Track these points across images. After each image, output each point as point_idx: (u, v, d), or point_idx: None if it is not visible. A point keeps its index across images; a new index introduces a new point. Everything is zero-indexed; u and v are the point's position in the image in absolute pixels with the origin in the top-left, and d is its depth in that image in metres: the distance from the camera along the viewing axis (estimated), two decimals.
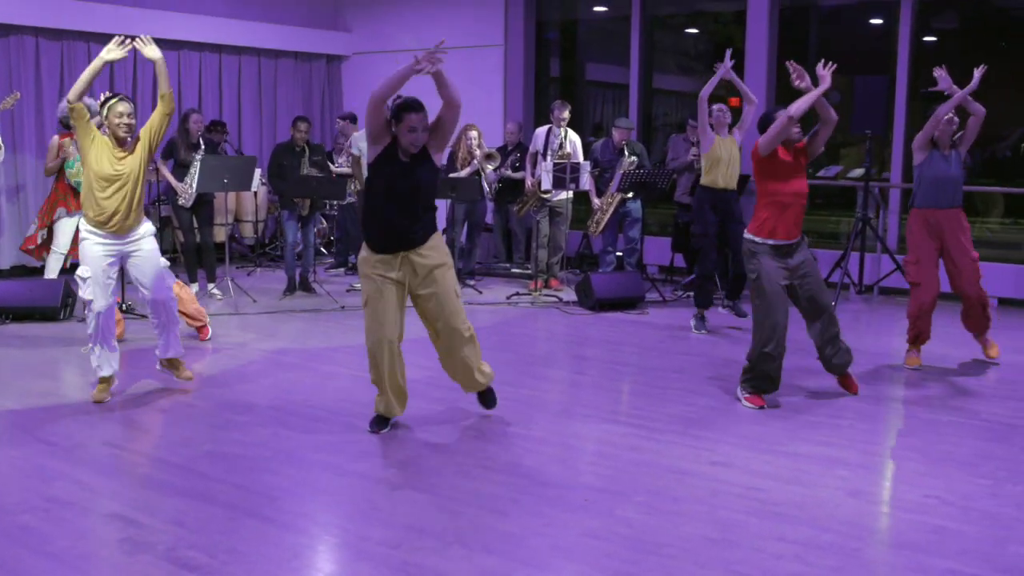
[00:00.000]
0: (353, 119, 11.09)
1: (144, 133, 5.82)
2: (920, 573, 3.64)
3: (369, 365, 5.23)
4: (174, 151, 9.13)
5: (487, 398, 5.67)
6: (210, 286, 9.34)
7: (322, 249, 12.02)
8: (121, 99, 5.83)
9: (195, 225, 9.24)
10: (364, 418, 5.52)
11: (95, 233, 5.71)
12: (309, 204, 9.50)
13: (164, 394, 6.01)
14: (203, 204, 9.21)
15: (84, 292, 5.70)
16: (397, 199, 5.05)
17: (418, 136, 5.01)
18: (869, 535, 4.02)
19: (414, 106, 5.01)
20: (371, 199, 5.11)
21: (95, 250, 5.70)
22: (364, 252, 5.14)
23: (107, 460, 4.85)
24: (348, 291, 9.72)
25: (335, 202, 10.84)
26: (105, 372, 5.83)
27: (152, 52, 5.90)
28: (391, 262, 5.08)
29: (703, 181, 8.20)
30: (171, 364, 6.16)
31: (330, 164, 10.86)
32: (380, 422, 5.32)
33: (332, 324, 8.27)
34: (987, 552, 3.83)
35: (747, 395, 5.88)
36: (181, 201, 9.10)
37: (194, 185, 8.89)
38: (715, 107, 8.21)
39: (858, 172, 10.09)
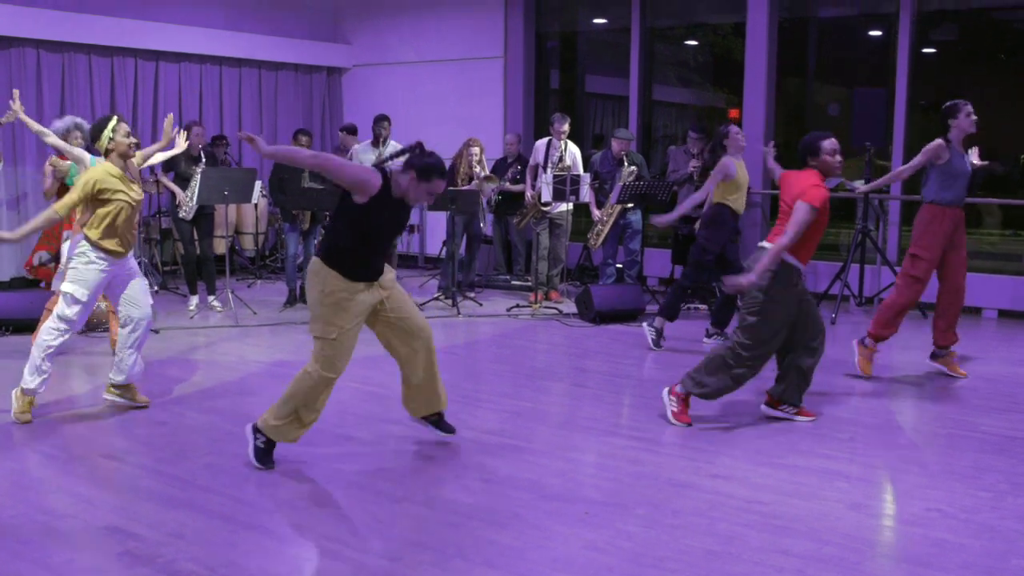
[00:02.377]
0: (353, 131, 11.11)
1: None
2: None
3: (305, 394, 4.83)
4: (175, 163, 9.14)
5: (444, 424, 5.38)
6: (210, 298, 9.34)
7: None
8: (121, 118, 5.81)
9: (195, 237, 9.25)
10: (365, 430, 5.52)
11: (105, 260, 5.69)
12: (310, 217, 9.51)
13: (163, 407, 6.00)
14: (203, 216, 9.22)
15: (70, 311, 5.63)
16: (388, 236, 4.93)
17: (432, 199, 4.90)
18: (870, 548, 4.02)
19: (444, 173, 4.80)
20: (357, 236, 4.76)
21: (99, 277, 5.68)
22: (338, 282, 4.75)
23: (106, 472, 4.85)
24: None
25: None
26: (42, 389, 5.74)
27: None
28: (366, 289, 4.85)
29: (727, 201, 7.91)
30: (127, 389, 5.99)
31: None
32: (269, 455, 4.94)
33: None
34: (989, 565, 3.83)
35: (800, 408, 5.87)
36: (182, 213, 9.11)
37: (195, 197, 8.90)
38: (732, 129, 7.89)
39: (858, 184, 10.09)
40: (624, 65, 11.76)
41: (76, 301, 5.62)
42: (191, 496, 4.49)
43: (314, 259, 4.83)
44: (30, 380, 5.64)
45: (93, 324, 8.09)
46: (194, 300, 9.18)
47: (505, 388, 6.60)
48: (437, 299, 9.85)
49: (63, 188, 8.41)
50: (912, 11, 10.00)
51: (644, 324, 8.06)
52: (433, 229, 12.71)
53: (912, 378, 7.06)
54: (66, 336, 5.69)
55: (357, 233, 4.74)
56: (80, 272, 5.65)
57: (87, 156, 7.90)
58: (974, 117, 6.70)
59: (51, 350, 5.67)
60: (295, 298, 9.62)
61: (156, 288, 10.31)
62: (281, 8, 12.92)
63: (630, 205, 9.58)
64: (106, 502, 4.41)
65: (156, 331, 8.14)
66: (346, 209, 4.76)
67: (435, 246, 12.54)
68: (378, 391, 6.46)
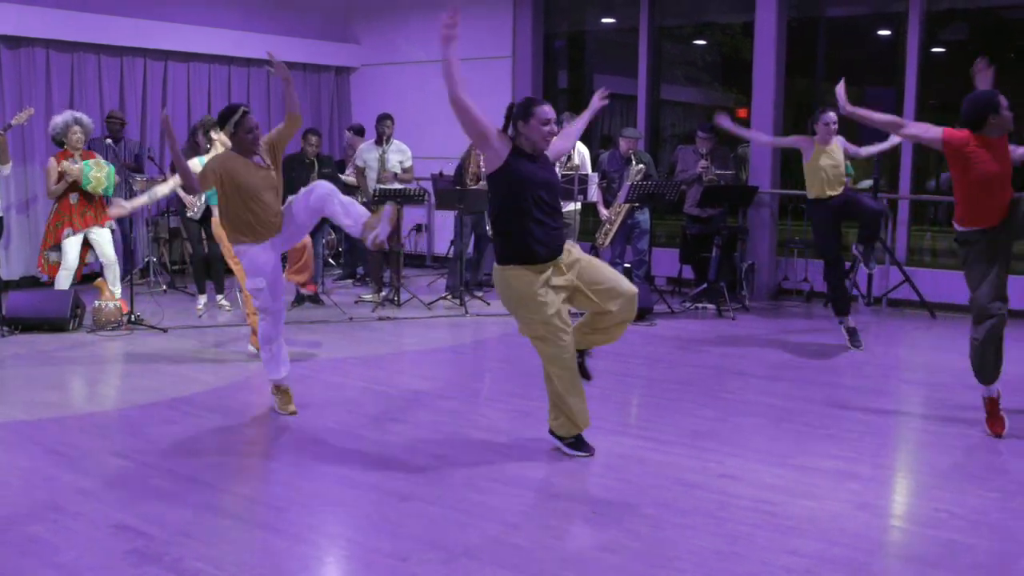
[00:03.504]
0: (360, 131, 11.11)
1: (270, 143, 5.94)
2: None
3: (564, 388, 4.98)
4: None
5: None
6: (218, 297, 9.36)
7: (330, 260, 12.04)
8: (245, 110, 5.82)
9: (204, 237, 9.26)
10: (373, 430, 5.52)
11: (257, 244, 5.72)
12: None
13: (172, 405, 6.01)
14: (212, 216, 9.24)
15: (258, 301, 5.79)
16: (548, 194, 4.84)
17: (553, 129, 4.82)
18: (879, 549, 4.01)
19: (539, 101, 4.83)
20: (512, 202, 4.77)
21: (264, 256, 5.70)
22: (520, 271, 4.80)
23: (115, 471, 4.85)
24: (356, 303, 9.74)
25: None
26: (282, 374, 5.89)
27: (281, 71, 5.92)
28: (553, 271, 4.82)
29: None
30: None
31: (340, 175, 10.89)
32: (581, 442, 5.09)
33: (340, 335, 8.27)
34: (997, 566, 3.81)
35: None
36: (190, 213, 9.13)
37: (203, 197, 8.91)
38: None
39: (867, 184, 10.07)
40: (632, 64, 11.75)
41: (259, 289, 5.72)
42: (200, 495, 4.49)
43: (494, 268, 4.96)
44: (270, 372, 5.90)
45: (102, 323, 8.11)
46: (203, 299, 9.19)
47: (513, 387, 6.60)
48: (445, 298, 9.86)
49: (64, 193, 8.43)
50: (921, 10, 9.97)
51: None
52: (441, 228, 12.71)
53: (923, 379, 7.04)
54: (268, 322, 5.81)
55: (512, 199, 4.78)
56: (250, 260, 5.74)
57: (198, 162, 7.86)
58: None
59: (265, 339, 5.85)
60: (302, 297, 9.62)
61: (164, 288, 10.34)
62: (291, 8, 12.93)
63: (637, 204, 9.57)
64: (114, 500, 4.42)
65: (164, 330, 8.16)
66: (494, 187, 4.87)
67: (443, 245, 12.54)
68: (385, 391, 6.46)
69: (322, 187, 5.68)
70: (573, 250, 4.94)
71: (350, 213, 5.63)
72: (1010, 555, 3.93)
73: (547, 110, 4.77)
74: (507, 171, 4.79)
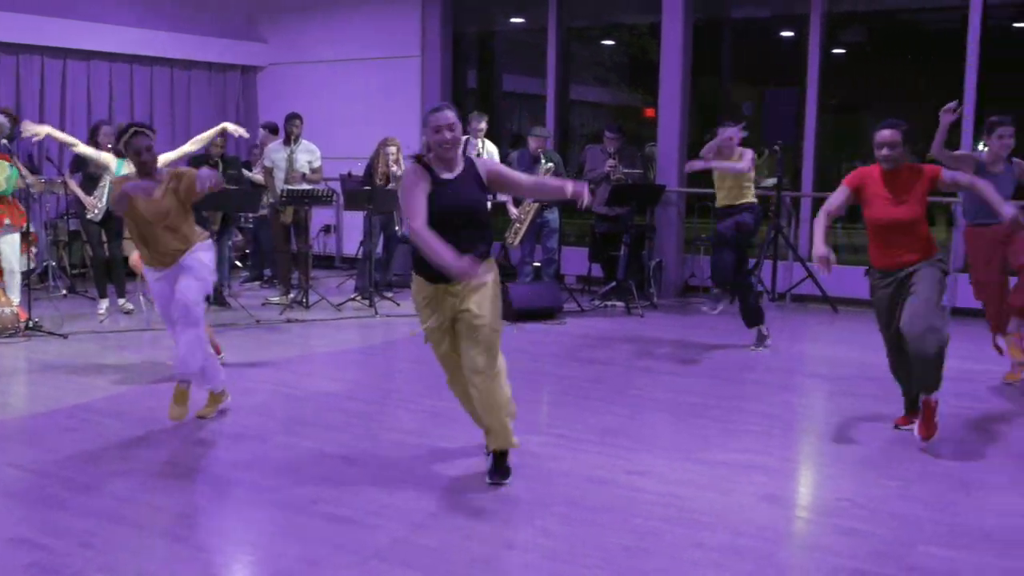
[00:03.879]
0: (274, 129, 10.96)
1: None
2: (832, 575, 3.70)
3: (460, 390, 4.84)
4: (83, 164, 8.91)
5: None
6: (120, 301, 9.14)
7: (237, 263, 11.84)
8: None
9: (104, 239, 9.03)
10: (281, 433, 5.45)
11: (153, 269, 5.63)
12: (221, 218, 9.35)
13: (72, 413, 5.85)
14: (113, 218, 8.99)
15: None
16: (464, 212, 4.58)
17: (445, 137, 4.49)
18: (784, 539, 4.08)
19: (439, 107, 4.57)
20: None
21: (156, 287, 5.64)
22: (418, 280, 4.63)
23: (11, 482, 4.69)
24: (264, 305, 9.60)
25: (250, 215, 10.69)
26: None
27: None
28: (442, 294, 4.58)
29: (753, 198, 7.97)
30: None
31: (246, 172, 10.74)
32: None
33: (248, 339, 8.14)
34: (896, 552, 3.92)
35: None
36: (90, 215, 8.89)
37: (104, 199, 8.69)
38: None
39: (770, 182, 10.27)
40: (541, 64, 11.81)
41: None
42: (101, 504, 4.37)
43: None
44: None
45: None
46: (104, 303, 8.96)
47: (424, 388, 6.57)
48: (354, 299, 9.78)
49: None
50: (822, 12, 10.21)
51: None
52: (350, 229, 12.61)
53: (826, 372, 7.20)
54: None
55: (429, 215, 4.45)
56: None
57: (113, 161, 7.57)
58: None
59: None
60: (209, 300, 9.45)
61: (64, 292, 10.06)
62: (193, 7, 12.69)
63: (547, 204, 9.62)
64: (11, 513, 4.28)
65: (64, 336, 7.94)
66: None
67: (352, 246, 12.44)
68: (294, 393, 6.38)
69: (190, 307, 5.44)
70: (472, 306, 4.51)
71: (189, 353, 5.48)
72: (909, 541, 4.03)
73: (440, 116, 4.48)
74: (429, 197, 4.52)
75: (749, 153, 7.85)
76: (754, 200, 7.94)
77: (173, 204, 5.49)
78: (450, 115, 4.49)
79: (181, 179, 5.51)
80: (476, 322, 4.51)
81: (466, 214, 4.51)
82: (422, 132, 4.78)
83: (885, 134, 5.21)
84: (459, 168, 4.57)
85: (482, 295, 4.52)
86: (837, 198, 5.36)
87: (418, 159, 4.58)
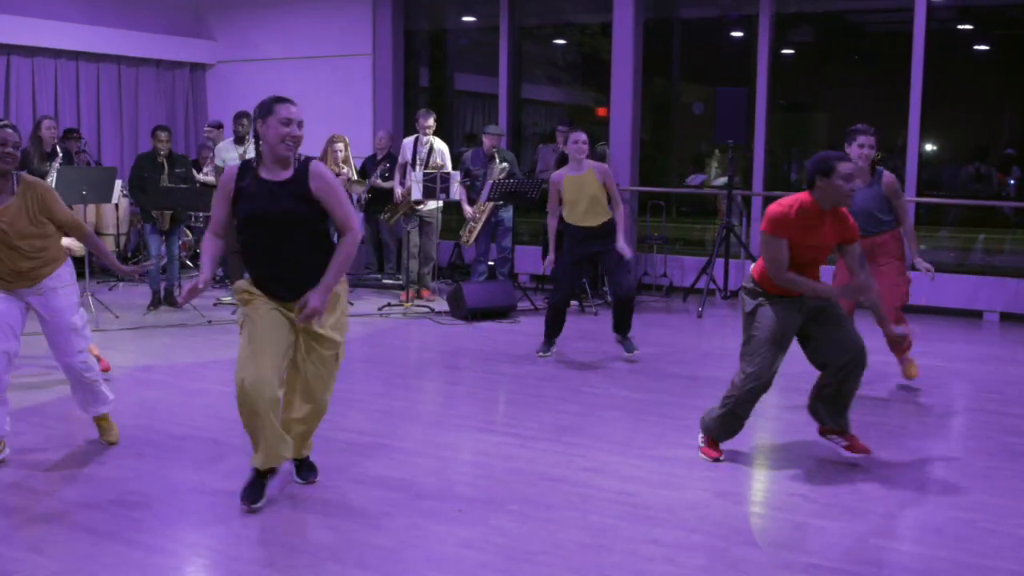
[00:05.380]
0: (219, 127, 10.84)
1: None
2: (784, 569, 3.75)
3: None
4: (27, 161, 8.73)
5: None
6: None
7: (187, 262, 11.71)
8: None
9: None
10: (233, 435, 5.40)
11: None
12: (169, 217, 9.24)
13: (20, 416, 5.74)
14: None
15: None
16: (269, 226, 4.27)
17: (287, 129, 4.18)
18: (736, 534, 4.12)
19: (278, 99, 4.23)
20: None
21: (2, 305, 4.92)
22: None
23: None
24: (215, 305, 9.51)
25: (201, 214, 10.58)
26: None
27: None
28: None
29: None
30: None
31: (196, 173, 10.62)
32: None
33: (199, 339, 8.06)
34: (847, 546, 3.97)
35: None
36: None
37: None
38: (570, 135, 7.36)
39: (722, 181, 10.36)
40: (493, 63, 11.81)
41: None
42: (49, 509, 4.31)
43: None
44: None
45: None
46: None
47: (377, 388, 6.55)
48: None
49: None
50: (771, 13, 10.31)
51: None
52: None
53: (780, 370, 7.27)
54: None
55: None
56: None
57: None
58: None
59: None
60: (159, 300, 9.35)
61: None
62: (139, 3, 12.53)
63: (501, 202, 9.63)
64: None
65: None
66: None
67: None
68: None
69: (71, 339, 4.97)
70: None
71: (89, 392, 5.09)
72: (861, 534, 4.09)
73: (287, 108, 4.17)
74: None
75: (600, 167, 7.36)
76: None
77: (23, 219, 4.76)
78: (290, 110, 4.18)
79: (34, 191, 4.79)
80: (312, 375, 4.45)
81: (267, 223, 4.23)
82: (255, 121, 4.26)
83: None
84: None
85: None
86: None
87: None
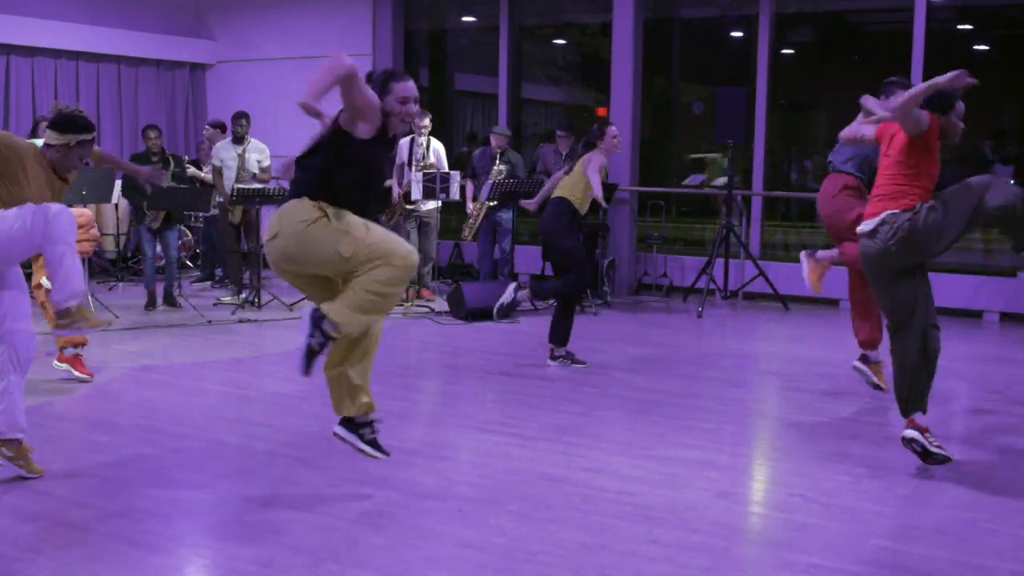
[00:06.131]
0: (222, 127, 10.85)
1: None
2: (785, 569, 3.75)
3: (397, 280, 4.26)
4: None
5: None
6: None
7: (187, 262, 11.71)
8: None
9: None
10: (233, 434, 5.40)
11: None
12: (163, 216, 9.23)
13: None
14: None
15: None
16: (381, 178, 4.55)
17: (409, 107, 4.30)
18: (737, 534, 4.12)
19: (398, 74, 4.39)
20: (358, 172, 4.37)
21: None
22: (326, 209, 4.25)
23: None
24: (215, 305, 9.51)
25: (200, 214, 10.57)
26: None
27: None
28: None
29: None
30: None
31: (196, 171, 10.63)
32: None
33: (198, 339, 8.06)
34: (848, 546, 3.97)
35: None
36: None
37: None
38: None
39: (722, 181, 10.36)
40: (493, 63, 11.81)
41: None
42: (49, 508, 4.30)
43: (291, 202, 4.29)
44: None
45: None
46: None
47: (377, 388, 6.49)
48: (307, 298, 9.70)
49: None
50: (771, 13, 10.31)
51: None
52: None
53: (778, 369, 7.28)
54: None
55: (358, 170, 4.33)
56: None
57: None
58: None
59: None
60: (155, 300, 9.35)
61: None
62: (139, 3, 12.52)
63: (494, 203, 9.67)
64: None
65: None
66: (339, 146, 4.37)
67: None
68: (246, 394, 6.33)
69: (62, 228, 4.51)
70: None
71: (66, 278, 4.65)
72: (860, 535, 4.09)
73: (405, 87, 4.29)
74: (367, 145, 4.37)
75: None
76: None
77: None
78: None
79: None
80: None
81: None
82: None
83: None
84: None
85: None
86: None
87: None
